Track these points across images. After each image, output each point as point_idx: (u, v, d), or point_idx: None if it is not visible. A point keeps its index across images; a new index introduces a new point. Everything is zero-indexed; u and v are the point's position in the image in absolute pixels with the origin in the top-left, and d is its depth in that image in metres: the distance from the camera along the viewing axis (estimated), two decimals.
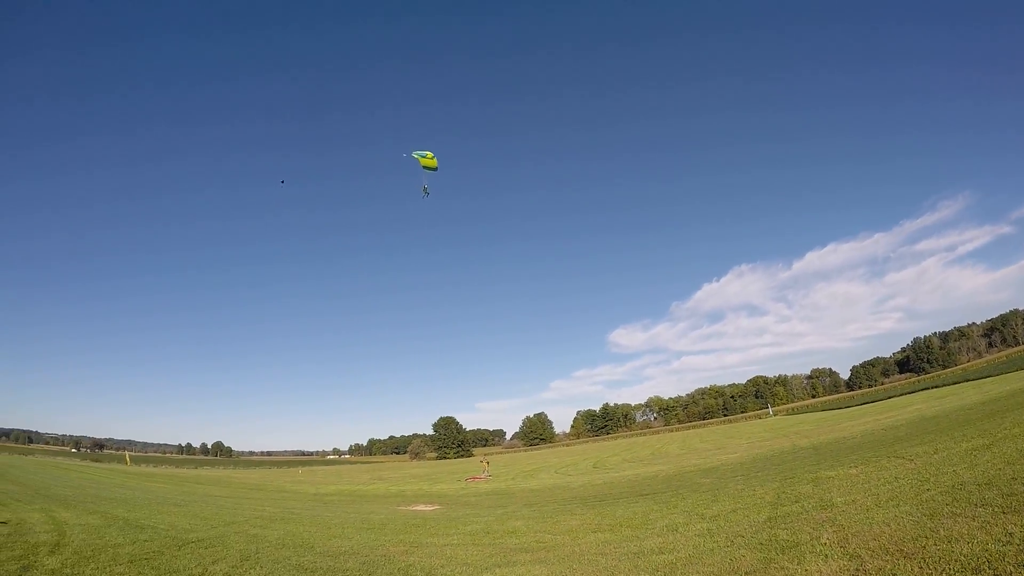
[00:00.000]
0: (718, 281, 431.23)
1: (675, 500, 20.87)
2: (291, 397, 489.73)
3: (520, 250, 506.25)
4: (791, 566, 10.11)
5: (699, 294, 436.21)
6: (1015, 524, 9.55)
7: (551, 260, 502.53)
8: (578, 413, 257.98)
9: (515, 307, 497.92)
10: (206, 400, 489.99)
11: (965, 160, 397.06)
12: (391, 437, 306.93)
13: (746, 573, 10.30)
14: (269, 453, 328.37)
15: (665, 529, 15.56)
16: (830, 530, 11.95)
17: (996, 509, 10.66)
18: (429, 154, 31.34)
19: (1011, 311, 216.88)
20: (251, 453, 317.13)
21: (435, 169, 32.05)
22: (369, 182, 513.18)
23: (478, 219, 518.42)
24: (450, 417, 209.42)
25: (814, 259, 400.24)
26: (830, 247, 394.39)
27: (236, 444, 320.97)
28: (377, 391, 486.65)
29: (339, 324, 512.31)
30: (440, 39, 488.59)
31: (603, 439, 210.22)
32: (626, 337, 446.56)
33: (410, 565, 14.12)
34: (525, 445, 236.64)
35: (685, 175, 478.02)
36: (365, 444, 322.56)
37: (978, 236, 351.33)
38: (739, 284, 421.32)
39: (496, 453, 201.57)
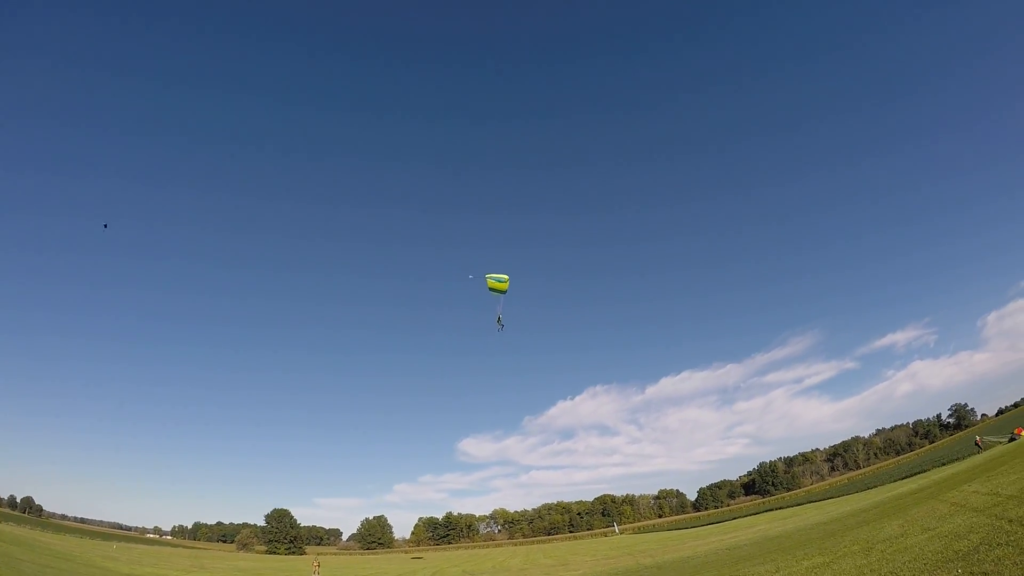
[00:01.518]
0: (572, 399, 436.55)
1: None
2: (116, 462, 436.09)
3: (377, 350, 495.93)
4: None
5: (553, 410, 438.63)
6: None
7: (409, 365, 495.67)
8: (420, 519, 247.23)
9: (365, 405, 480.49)
10: (22, 446, 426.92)
11: (816, 303, 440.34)
12: (219, 523, 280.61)
13: None
14: (83, 520, 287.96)
15: None
16: None
17: None
18: (505, 278, 29.78)
19: (852, 438, 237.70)
20: (63, 516, 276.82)
21: (504, 292, 30.25)
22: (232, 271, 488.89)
23: (341, 317, 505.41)
24: (284, 510, 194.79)
25: (668, 385, 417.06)
26: (684, 375, 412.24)
27: (48, 503, 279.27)
28: (210, 471, 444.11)
29: (177, 397, 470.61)
30: None
31: (444, 548, 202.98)
32: (475, 447, 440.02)
33: None
34: (362, 548, 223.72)
35: (548, 305, 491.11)
36: (190, 527, 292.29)
37: (824, 370, 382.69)
38: (593, 404, 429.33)
39: (330, 553, 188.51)
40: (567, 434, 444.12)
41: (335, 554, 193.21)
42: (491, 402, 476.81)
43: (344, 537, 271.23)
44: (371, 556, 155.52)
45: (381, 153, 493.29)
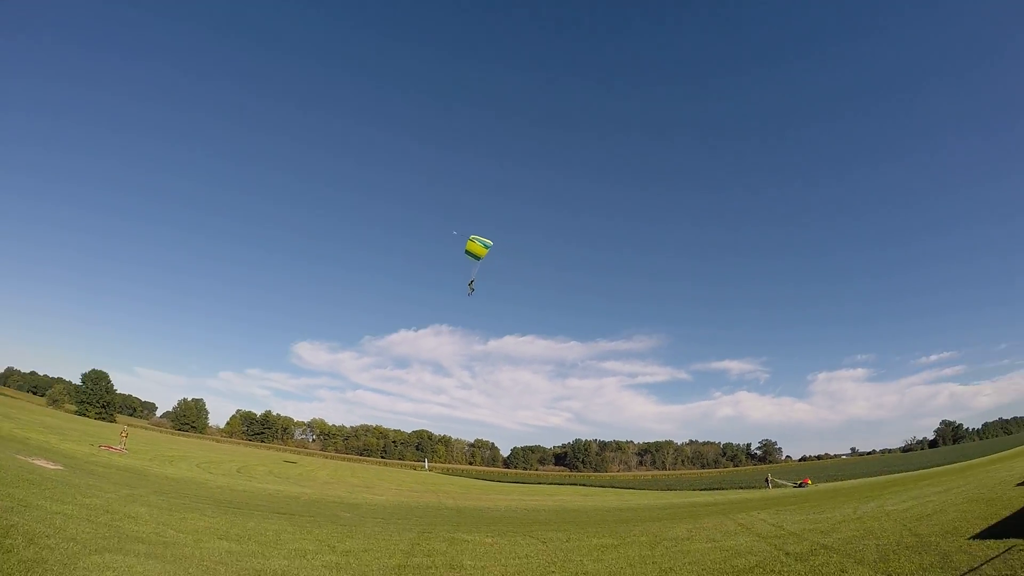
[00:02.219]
0: (415, 331, 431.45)
1: (311, 526, 19.71)
2: None
3: (229, 232, 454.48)
4: None
5: (394, 336, 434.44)
6: None
7: (260, 253, 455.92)
8: (238, 411, 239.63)
9: (208, 282, 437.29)
10: None
11: (669, 310, 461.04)
12: (32, 373, 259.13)
13: None
14: None
15: (293, 553, 14.47)
16: None
17: None
18: (489, 243, 27.62)
19: (666, 441, 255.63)
20: None
21: (479, 258, 28.09)
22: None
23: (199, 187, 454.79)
24: (103, 372, 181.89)
25: (511, 343, 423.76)
26: (529, 338, 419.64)
27: None
28: (32, 315, 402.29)
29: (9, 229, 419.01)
30: None
31: (256, 446, 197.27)
32: (310, 352, 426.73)
33: (12, 527, 11.46)
34: (174, 427, 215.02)
35: (418, 232, 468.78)
36: (1, 371, 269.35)
37: (659, 373, 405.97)
38: (435, 341, 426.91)
39: (140, 427, 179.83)
40: (402, 363, 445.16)
41: (145, 428, 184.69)
42: (335, 312, 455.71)
43: (158, 413, 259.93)
44: (181, 438, 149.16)
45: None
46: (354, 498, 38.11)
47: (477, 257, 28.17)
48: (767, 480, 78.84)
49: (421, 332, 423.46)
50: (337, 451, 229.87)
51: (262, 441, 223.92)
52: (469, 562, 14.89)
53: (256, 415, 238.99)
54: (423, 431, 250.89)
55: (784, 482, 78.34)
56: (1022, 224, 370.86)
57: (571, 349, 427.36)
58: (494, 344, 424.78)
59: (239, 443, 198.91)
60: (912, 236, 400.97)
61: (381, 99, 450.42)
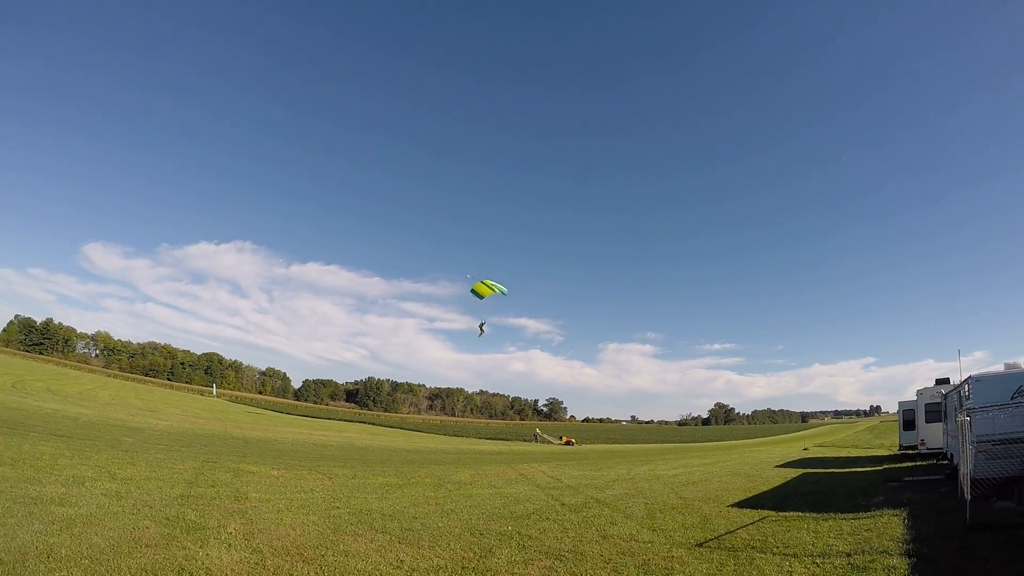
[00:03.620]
0: (217, 245, 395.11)
1: (89, 451, 18.58)
2: None
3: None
4: (193, 547, 9.45)
5: (193, 248, 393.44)
6: (406, 554, 10.62)
7: (62, 138, 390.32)
8: (16, 317, 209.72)
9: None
10: None
11: (473, 261, 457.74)
12: None
13: (146, 545, 9.31)
14: None
15: (71, 480, 13.63)
16: (239, 521, 11.61)
17: (393, 538, 11.70)
18: (504, 290, 26.51)
19: (457, 388, 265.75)
20: None
21: (482, 297, 26.70)
22: None
23: None
24: None
25: (313, 270, 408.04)
26: (333, 267, 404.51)
27: None
28: None
29: None
30: None
31: (33, 358, 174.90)
32: (102, 256, 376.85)
33: None
34: None
35: (237, 138, 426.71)
36: None
37: (457, 320, 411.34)
38: (236, 258, 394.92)
39: None
40: (199, 278, 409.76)
41: None
42: (134, 211, 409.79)
43: None
44: None
45: None
46: (137, 422, 36.23)
47: (482, 297, 27.71)
48: (535, 435, 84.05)
49: (223, 247, 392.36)
50: (121, 369, 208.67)
51: (40, 353, 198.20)
52: (254, 494, 14.76)
53: (36, 323, 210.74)
54: (213, 354, 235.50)
55: (550, 438, 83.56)
56: (814, 243, 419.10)
57: (374, 285, 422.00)
58: (297, 269, 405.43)
59: (15, 354, 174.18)
60: (707, 238, 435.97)
61: None
